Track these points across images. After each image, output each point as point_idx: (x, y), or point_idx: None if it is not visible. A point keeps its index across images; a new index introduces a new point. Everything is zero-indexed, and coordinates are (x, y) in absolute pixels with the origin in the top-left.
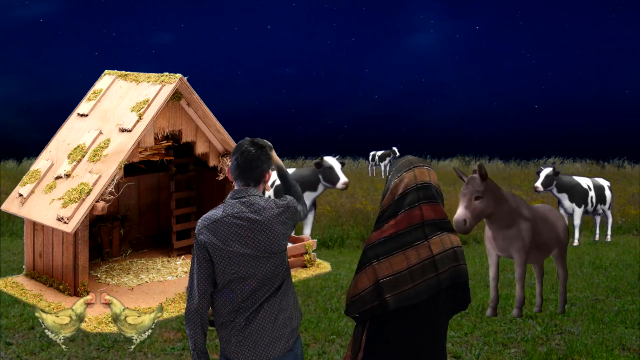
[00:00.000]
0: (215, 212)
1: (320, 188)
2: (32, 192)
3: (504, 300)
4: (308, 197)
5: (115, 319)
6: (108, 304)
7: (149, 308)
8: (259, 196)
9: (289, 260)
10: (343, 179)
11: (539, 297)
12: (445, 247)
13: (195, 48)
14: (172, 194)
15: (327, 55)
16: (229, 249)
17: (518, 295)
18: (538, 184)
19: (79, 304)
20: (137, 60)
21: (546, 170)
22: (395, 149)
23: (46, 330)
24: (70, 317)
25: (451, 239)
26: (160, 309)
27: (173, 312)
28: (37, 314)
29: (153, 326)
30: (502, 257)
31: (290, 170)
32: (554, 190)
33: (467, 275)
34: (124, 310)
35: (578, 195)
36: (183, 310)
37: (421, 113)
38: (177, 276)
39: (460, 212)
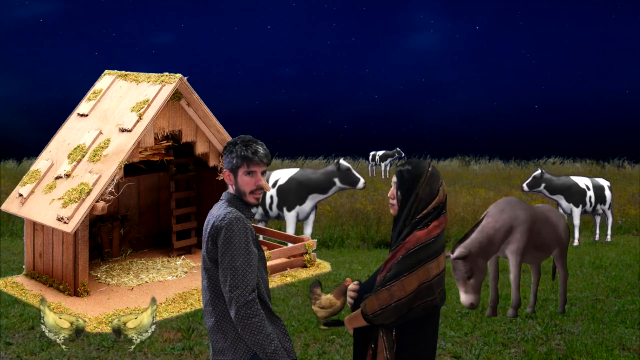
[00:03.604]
0: None
1: (332, 191)
2: (32, 192)
3: (504, 300)
4: (314, 199)
5: (117, 331)
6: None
7: (146, 308)
8: (220, 200)
9: (289, 260)
10: (362, 179)
11: (532, 296)
12: None
13: (195, 48)
14: (172, 194)
15: (327, 55)
16: None
17: (514, 296)
18: (524, 184)
19: (82, 321)
20: (137, 60)
21: (535, 172)
22: (399, 149)
23: (42, 326)
24: (71, 323)
25: None
26: (154, 301)
27: (173, 312)
28: (41, 306)
29: (154, 320)
30: (501, 257)
31: (294, 170)
32: (545, 192)
33: None
34: (119, 319)
35: (575, 195)
36: (183, 310)
37: (421, 113)
38: (177, 276)
39: (464, 298)
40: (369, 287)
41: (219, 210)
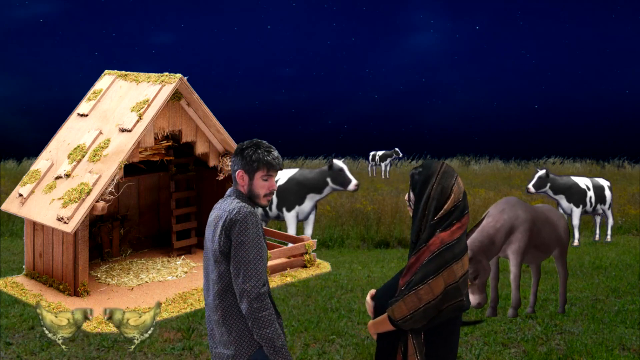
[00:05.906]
0: None
1: (326, 191)
2: (32, 192)
3: (504, 300)
4: (312, 199)
5: (118, 325)
6: (110, 317)
7: (149, 308)
8: (227, 196)
9: (289, 260)
10: (354, 181)
11: (532, 297)
12: None
13: (195, 48)
14: (172, 194)
15: (327, 55)
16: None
17: (514, 296)
18: (530, 185)
19: (78, 312)
20: (137, 60)
21: (540, 172)
22: (397, 149)
23: (44, 328)
24: (68, 320)
25: None
26: (159, 305)
27: (173, 312)
28: (38, 310)
29: (154, 323)
30: (502, 257)
31: (293, 171)
32: (550, 192)
33: None
34: (124, 314)
35: (576, 195)
36: (183, 310)
37: (421, 113)
38: (177, 276)
39: (471, 299)
40: (388, 291)
41: (230, 205)
